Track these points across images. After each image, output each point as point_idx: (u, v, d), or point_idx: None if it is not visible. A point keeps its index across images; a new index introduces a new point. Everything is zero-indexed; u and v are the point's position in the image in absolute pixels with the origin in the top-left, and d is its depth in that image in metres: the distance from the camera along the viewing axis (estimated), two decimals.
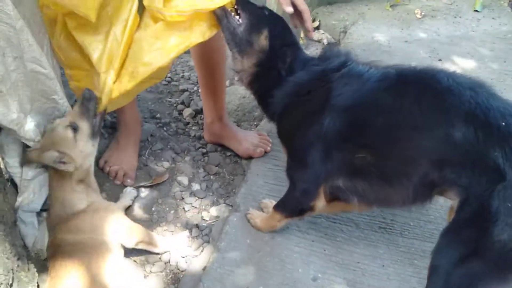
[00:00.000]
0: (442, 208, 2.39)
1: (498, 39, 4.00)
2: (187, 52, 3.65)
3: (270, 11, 2.26)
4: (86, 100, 2.15)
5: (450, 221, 1.77)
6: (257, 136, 2.89)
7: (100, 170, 2.69)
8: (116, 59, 2.14)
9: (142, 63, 2.14)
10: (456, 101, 1.69)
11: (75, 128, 2.13)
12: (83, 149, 2.17)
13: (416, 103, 1.78)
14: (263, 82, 2.19)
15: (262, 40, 2.13)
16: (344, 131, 1.93)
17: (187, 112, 3.25)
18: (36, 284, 2.01)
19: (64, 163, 2.07)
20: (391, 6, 4.51)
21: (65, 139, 2.12)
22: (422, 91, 1.79)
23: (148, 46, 2.14)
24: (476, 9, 4.46)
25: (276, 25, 2.18)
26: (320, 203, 2.14)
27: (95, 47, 2.15)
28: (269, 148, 2.85)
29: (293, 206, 2.23)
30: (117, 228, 2.18)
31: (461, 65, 3.66)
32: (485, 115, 1.62)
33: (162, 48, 2.13)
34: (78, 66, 2.25)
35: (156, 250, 2.32)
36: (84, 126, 2.16)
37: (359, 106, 1.91)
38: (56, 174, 2.12)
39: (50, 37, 2.19)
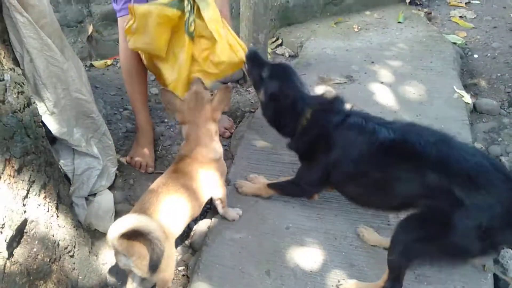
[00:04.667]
0: None
1: (416, 43, 4.04)
2: None
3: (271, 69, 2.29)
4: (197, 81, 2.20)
5: (416, 213, 1.82)
6: (226, 121, 3.08)
7: (128, 164, 2.84)
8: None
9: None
10: (426, 158, 1.76)
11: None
12: None
13: (400, 162, 1.85)
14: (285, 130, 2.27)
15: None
16: (344, 172, 2.04)
17: None
18: (90, 246, 2.18)
19: None
20: (335, 23, 4.53)
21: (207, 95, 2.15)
22: (405, 153, 1.85)
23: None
24: (399, 21, 4.51)
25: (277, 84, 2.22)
26: (316, 196, 2.30)
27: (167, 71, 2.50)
28: (232, 131, 3.06)
29: (290, 192, 2.38)
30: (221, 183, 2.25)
31: (389, 64, 3.70)
32: (445, 165, 1.71)
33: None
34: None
35: (221, 211, 2.36)
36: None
37: (359, 156, 1.97)
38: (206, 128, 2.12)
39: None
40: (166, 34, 2.43)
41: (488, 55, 4.01)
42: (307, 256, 2.19)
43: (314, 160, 2.16)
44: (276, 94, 2.21)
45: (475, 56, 4.05)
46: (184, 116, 2.12)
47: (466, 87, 3.49)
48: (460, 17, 4.70)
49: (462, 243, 1.69)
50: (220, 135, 2.57)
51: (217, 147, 2.19)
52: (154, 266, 1.78)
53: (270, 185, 2.40)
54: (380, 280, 1.94)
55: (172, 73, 2.51)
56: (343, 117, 2.06)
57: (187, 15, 2.38)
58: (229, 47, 2.46)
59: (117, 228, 1.69)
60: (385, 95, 3.31)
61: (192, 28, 2.41)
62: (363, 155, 1.96)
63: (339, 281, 2.06)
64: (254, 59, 2.39)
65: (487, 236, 1.64)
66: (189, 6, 2.38)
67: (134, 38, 2.42)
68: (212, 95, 2.18)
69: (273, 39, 4.48)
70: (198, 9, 2.39)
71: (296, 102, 2.16)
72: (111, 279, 2.21)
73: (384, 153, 1.90)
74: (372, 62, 3.77)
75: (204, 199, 2.18)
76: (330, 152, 2.03)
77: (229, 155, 2.98)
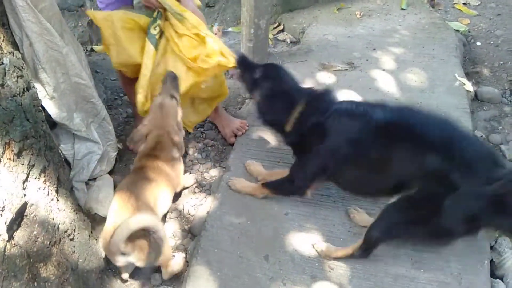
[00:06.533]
0: None
1: (419, 30, 4.00)
2: None
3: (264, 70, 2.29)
4: (172, 78, 2.28)
5: (407, 195, 1.85)
6: (238, 123, 2.94)
7: (128, 149, 2.80)
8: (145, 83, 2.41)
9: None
10: (428, 140, 1.76)
11: (176, 98, 2.28)
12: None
13: (400, 143, 1.83)
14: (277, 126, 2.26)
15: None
16: (341, 160, 2.00)
17: None
18: (90, 230, 2.20)
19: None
20: (337, 9, 4.48)
21: (172, 106, 2.25)
22: (404, 134, 1.83)
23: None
24: (402, 7, 4.44)
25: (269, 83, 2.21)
26: (309, 192, 2.22)
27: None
28: (245, 130, 2.92)
29: (284, 192, 2.34)
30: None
31: (391, 51, 3.67)
32: (448, 149, 1.72)
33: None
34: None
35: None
36: (178, 97, 2.31)
37: (354, 142, 1.95)
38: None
39: None
40: (139, 41, 2.41)
41: (491, 42, 3.98)
42: (306, 242, 2.21)
43: (309, 152, 2.14)
44: (270, 92, 2.21)
45: (478, 43, 4.02)
46: (149, 128, 2.24)
47: (468, 75, 3.49)
48: (464, 4, 4.65)
49: (449, 227, 1.74)
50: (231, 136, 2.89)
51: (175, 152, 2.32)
52: (156, 256, 1.88)
53: (264, 185, 2.38)
54: (350, 248, 2.04)
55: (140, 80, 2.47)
56: (335, 105, 2.05)
57: (153, 18, 2.39)
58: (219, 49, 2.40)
59: (126, 231, 1.78)
60: (386, 82, 3.30)
61: (155, 32, 2.39)
62: (359, 138, 1.94)
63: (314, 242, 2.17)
64: (244, 62, 2.38)
65: (474, 221, 1.70)
66: (157, 12, 2.39)
67: (112, 54, 2.40)
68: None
69: (275, 25, 4.45)
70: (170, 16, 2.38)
71: (290, 96, 2.16)
72: (110, 262, 2.21)
73: (381, 133, 1.89)
74: (374, 49, 3.75)
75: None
76: (324, 141, 2.02)
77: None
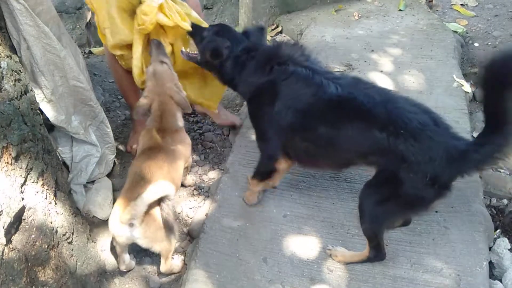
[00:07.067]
0: None
1: (417, 31, 3.99)
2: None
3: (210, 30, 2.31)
4: (156, 45, 2.31)
5: (371, 178, 1.96)
6: (237, 119, 3.04)
7: (129, 153, 2.86)
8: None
9: None
10: (374, 118, 1.83)
11: (166, 63, 2.31)
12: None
13: (348, 120, 1.91)
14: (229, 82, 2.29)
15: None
16: (290, 126, 2.03)
17: None
18: (88, 233, 2.21)
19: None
20: (335, 11, 4.46)
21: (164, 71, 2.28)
22: (352, 111, 1.89)
23: None
24: (400, 8, 4.42)
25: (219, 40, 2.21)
26: (282, 165, 2.23)
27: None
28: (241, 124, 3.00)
29: (262, 168, 2.29)
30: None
31: (389, 52, 3.66)
32: (393, 125, 1.79)
33: None
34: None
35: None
36: (168, 60, 2.35)
37: (304, 111, 1.99)
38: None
39: None
40: (133, 22, 2.40)
41: (489, 43, 3.99)
42: (304, 244, 2.21)
43: (261, 112, 2.15)
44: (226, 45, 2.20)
45: (476, 44, 4.02)
46: (150, 98, 2.26)
47: (466, 76, 3.48)
48: (462, 5, 4.66)
49: (414, 194, 1.83)
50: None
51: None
52: (171, 227, 1.99)
53: (251, 177, 2.36)
54: (365, 250, 2.05)
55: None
56: (292, 67, 2.04)
57: None
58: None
59: (153, 195, 1.90)
60: (384, 83, 3.28)
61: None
62: (310, 109, 1.98)
63: (328, 246, 2.18)
64: (196, 27, 2.38)
65: (435, 182, 1.77)
66: None
67: (107, 37, 2.41)
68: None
69: (273, 27, 4.44)
70: None
71: (247, 49, 2.18)
72: (108, 266, 2.24)
73: (331, 109, 1.94)
74: (372, 51, 3.73)
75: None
76: (275, 103, 2.03)
77: (227, 144, 3.00)
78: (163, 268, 2.16)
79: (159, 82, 2.25)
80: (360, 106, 1.87)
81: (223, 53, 2.17)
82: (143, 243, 2.01)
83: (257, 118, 2.23)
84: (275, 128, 2.09)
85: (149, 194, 1.89)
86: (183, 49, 2.42)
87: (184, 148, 2.35)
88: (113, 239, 2.13)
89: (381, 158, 1.88)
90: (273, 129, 2.11)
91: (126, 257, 2.18)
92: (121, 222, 1.93)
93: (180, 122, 2.33)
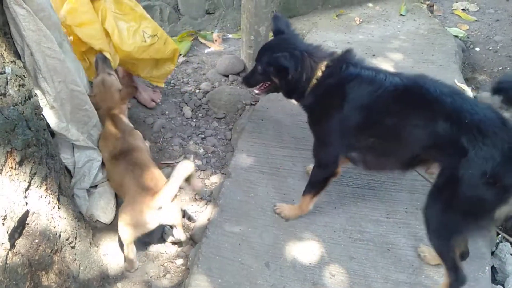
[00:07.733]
0: None
1: (418, 36, 4.03)
2: (186, 62, 3.82)
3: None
4: (102, 59, 2.51)
5: (432, 186, 1.87)
6: (152, 91, 3.32)
7: None
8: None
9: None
10: (439, 107, 1.79)
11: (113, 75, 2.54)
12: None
13: (413, 108, 1.87)
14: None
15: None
16: (358, 124, 1.99)
17: (187, 109, 3.29)
18: (91, 237, 2.20)
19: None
20: (337, 16, 4.50)
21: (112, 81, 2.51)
22: (418, 99, 1.86)
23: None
24: (401, 13, 4.48)
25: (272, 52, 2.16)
26: (339, 169, 2.18)
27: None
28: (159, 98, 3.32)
29: (318, 178, 2.23)
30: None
31: (390, 57, 3.69)
32: (457, 115, 1.74)
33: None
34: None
35: None
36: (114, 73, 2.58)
37: (370, 106, 1.95)
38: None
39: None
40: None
41: (490, 48, 4.00)
42: (306, 249, 2.21)
43: (327, 117, 2.10)
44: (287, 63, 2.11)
45: (477, 49, 4.04)
46: (97, 103, 2.49)
47: (467, 81, 3.50)
48: (463, 9, 4.68)
49: (473, 194, 1.71)
50: (145, 105, 3.24)
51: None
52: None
53: (304, 194, 2.30)
54: (444, 280, 1.93)
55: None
56: (358, 70, 2.04)
57: None
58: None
59: (185, 172, 2.09)
60: None
61: None
62: (376, 101, 1.95)
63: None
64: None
65: (494, 181, 1.66)
66: None
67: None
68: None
69: None
70: None
71: (311, 56, 2.12)
72: (111, 270, 2.24)
73: (397, 98, 1.91)
74: (374, 55, 3.76)
75: None
76: (343, 106, 2.00)
77: (229, 148, 2.99)
78: (183, 236, 2.34)
79: (107, 89, 2.49)
80: (426, 94, 1.84)
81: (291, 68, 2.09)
82: (169, 221, 2.25)
83: (321, 123, 2.16)
84: (342, 130, 2.05)
85: (179, 176, 2.07)
86: (256, 90, 2.46)
87: (144, 144, 2.55)
88: (126, 235, 2.15)
89: (443, 152, 1.80)
90: (338, 131, 2.07)
91: (134, 249, 2.24)
92: (154, 208, 2.08)
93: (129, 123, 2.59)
